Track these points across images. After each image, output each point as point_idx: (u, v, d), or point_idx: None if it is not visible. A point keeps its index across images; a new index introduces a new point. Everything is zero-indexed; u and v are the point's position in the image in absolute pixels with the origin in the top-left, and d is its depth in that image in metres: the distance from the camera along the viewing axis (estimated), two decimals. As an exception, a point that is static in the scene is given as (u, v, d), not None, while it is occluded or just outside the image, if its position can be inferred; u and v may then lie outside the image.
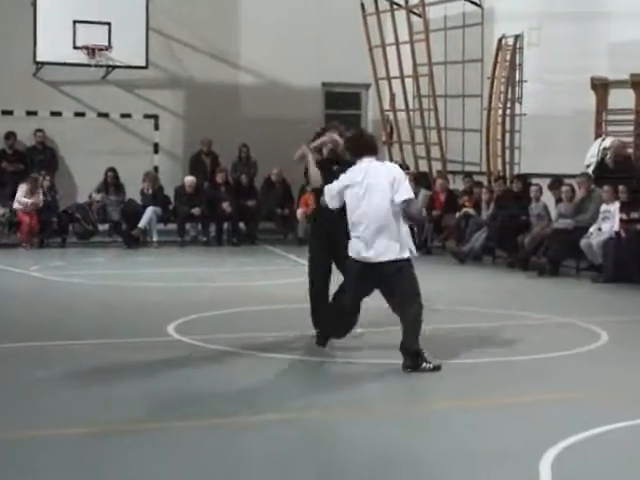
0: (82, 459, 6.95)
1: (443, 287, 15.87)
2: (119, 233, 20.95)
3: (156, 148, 23.19)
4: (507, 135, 20.54)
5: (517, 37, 20.33)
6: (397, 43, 22.24)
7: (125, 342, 11.04)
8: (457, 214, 19.54)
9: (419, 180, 21.20)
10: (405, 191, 9.60)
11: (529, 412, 8.31)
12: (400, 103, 22.75)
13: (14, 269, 16.79)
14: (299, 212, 21.75)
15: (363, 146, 10.12)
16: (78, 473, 6.66)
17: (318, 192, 10.53)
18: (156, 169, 22.70)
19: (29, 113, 22.27)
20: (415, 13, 21.88)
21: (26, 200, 20.06)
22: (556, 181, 18.05)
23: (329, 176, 10.42)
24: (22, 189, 20.22)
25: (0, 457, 6.95)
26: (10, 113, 22.13)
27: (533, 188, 18.26)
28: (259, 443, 7.38)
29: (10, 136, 21.79)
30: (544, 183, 18.33)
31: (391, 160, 23.32)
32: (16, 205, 20.10)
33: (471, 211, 19.37)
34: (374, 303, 10.20)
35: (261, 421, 7.96)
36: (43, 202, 20.27)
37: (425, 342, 10.52)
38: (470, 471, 6.82)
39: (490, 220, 18.72)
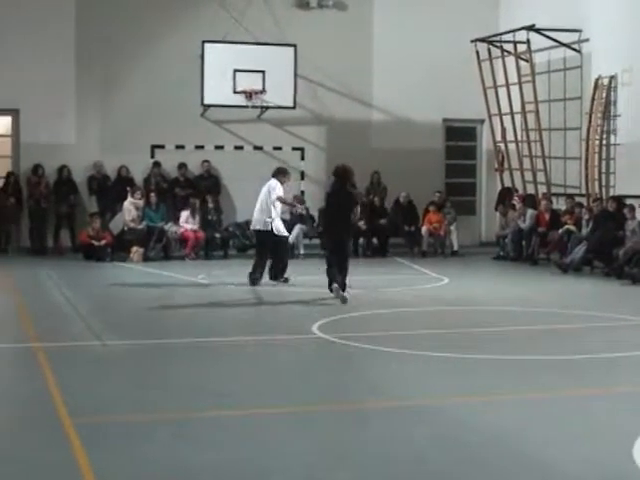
0: (248, 436, 7.02)
1: (548, 293, 15.66)
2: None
3: (302, 175, 23.32)
4: (603, 162, 20.16)
5: (611, 78, 19.94)
6: (507, 84, 22.03)
7: (275, 338, 11.12)
8: (560, 230, 19.24)
9: (527, 201, 20.93)
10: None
11: (626, 401, 8.11)
12: (510, 135, 22.49)
13: (184, 277, 17.03)
14: (424, 229, 21.68)
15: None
16: (246, 447, 6.72)
17: None
18: (302, 193, 22.81)
19: (197, 147, 22.61)
20: (523, 59, 21.64)
21: (186, 225, 20.41)
22: (646, 201, 17.67)
23: None
24: (184, 215, 20.55)
25: (180, 433, 7.05)
26: (182, 147, 22.51)
27: (626, 208, 17.92)
28: (384, 426, 7.35)
29: (182, 166, 22.15)
30: (636, 203, 17.97)
31: (502, 184, 23.17)
32: (181, 226, 20.47)
33: (572, 228, 19.04)
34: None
35: (389, 408, 7.92)
36: (200, 223, 20.56)
37: (530, 340, 10.37)
38: (572, 450, 6.68)
39: (589, 235, 18.37)
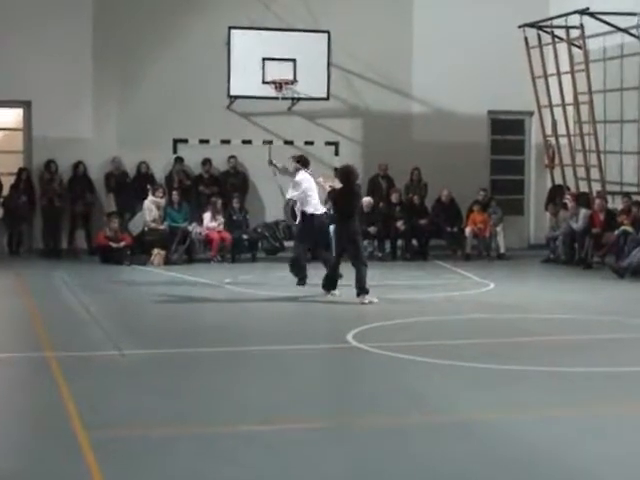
0: (277, 452, 7.04)
1: (602, 300, 15.58)
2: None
3: (337, 172, 23.27)
4: (663, 157, 20.08)
5: (673, 65, 19.87)
6: (559, 73, 21.94)
7: (307, 348, 11.15)
8: (616, 231, 19.12)
9: (580, 200, 20.83)
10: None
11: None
12: (561, 129, 22.42)
13: (210, 281, 17.08)
14: (467, 230, 21.63)
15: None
16: (275, 463, 6.75)
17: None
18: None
19: (223, 141, 22.67)
20: (575, 45, 21.55)
21: (210, 224, 20.45)
22: None
23: None
24: (207, 215, 20.61)
25: (202, 448, 7.06)
26: (207, 142, 22.59)
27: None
28: (425, 441, 7.34)
29: (206, 162, 22.22)
30: (699, 202, 17.87)
31: (553, 182, 23.08)
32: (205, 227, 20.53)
33: (629, 229, 18.93)
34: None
35: (431, 422, 7.91)
36: (224, 224, 20.61)
37: (581, 351, 10.34)
38: (626, 466, 6.68)
39: (647, 237, 18.30)
